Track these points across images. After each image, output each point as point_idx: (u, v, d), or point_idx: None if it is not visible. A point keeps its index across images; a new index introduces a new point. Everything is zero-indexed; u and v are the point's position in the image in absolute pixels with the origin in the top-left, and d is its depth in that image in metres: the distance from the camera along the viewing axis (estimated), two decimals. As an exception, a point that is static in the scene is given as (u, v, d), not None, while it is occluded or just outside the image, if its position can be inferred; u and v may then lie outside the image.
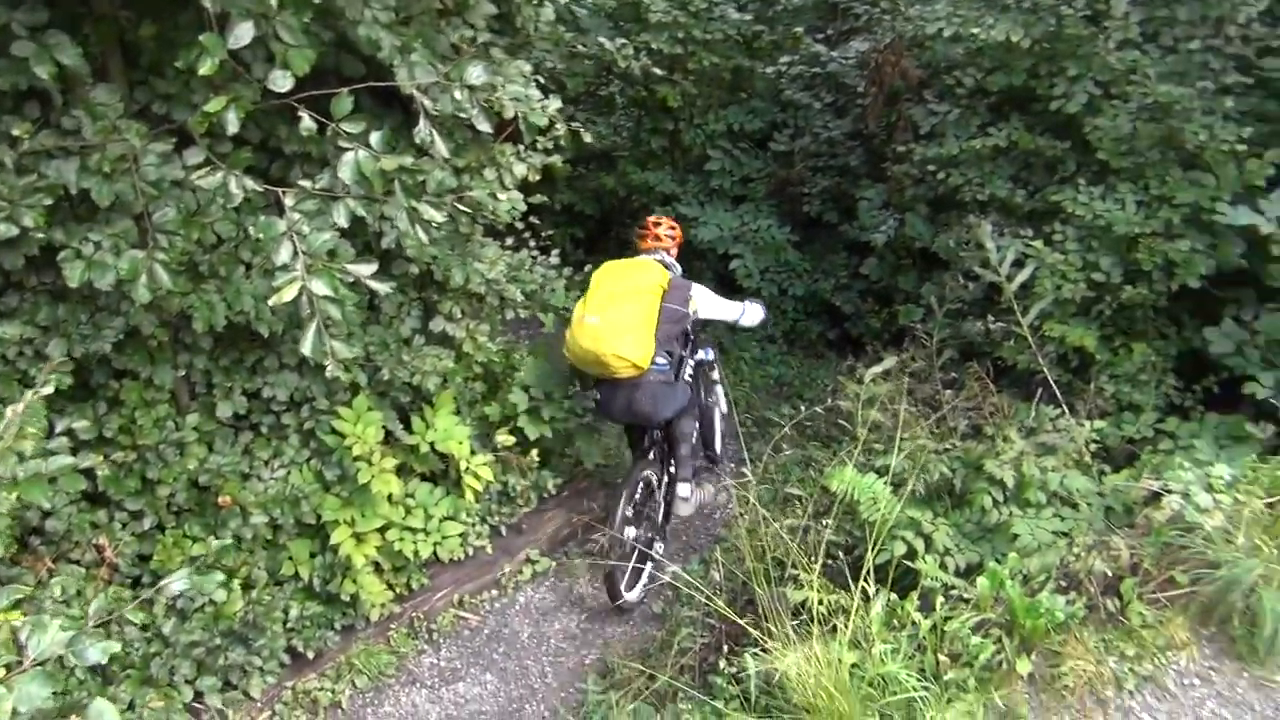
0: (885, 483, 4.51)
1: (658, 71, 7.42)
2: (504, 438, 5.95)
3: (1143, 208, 5.62)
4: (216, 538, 4.76)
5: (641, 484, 5.64)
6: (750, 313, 6.08)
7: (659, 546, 5.91)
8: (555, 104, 4.72)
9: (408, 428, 5.55)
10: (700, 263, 8.52)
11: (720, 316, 5.97)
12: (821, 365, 8.09)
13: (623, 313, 5.28)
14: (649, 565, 5.78)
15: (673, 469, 5.86)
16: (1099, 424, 4.90)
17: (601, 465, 6.55)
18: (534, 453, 6.01)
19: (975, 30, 6.35)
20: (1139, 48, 5.84)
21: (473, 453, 5.69)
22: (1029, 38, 6.21)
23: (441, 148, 3.76)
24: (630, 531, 5.48)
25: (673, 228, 6.04)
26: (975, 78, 6.89)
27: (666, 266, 5.79)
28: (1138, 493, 4.26)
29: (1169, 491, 3.89)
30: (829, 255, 8.32)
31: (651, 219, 6.08)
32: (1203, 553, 3.69)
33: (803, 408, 6.56)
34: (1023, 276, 5.44)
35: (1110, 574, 3.79)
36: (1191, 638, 3.65)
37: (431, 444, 5.53)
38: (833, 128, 8.41)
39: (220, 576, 4.43)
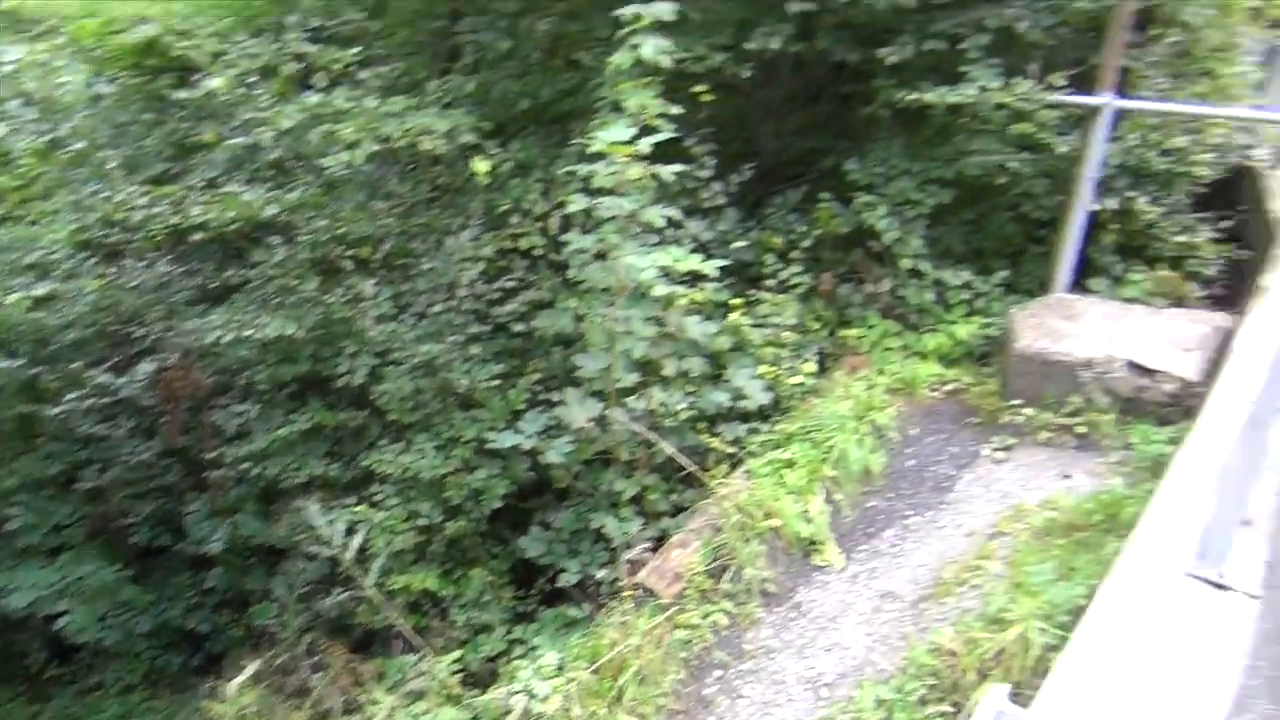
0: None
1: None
2: None
3: (440, 451, 6.25)
4: None
5: None
6: None
7: None
8: None
9: None
10: (22, 634, 7.47)
11: None
12: (193, 697, 7.44)
13: None
14: None
15: None
16: (455, 654, 5.18)
17: None
18: None
19: (250, 331, 6.68)
20: (395, 319, 6.63)
21: None
22: (303, 328, 6.68)
23: None
24: None
25: None
26: (267, 373, 7.19)
27: None
28: (497, 707, 4.55)
29: (515, 694, 4.22)
30: (173, 579, 7.84)
31: None
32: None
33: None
34: (357, 542, 5.63)
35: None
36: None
37: None
38: (143, 450, 8.07)
39: None
